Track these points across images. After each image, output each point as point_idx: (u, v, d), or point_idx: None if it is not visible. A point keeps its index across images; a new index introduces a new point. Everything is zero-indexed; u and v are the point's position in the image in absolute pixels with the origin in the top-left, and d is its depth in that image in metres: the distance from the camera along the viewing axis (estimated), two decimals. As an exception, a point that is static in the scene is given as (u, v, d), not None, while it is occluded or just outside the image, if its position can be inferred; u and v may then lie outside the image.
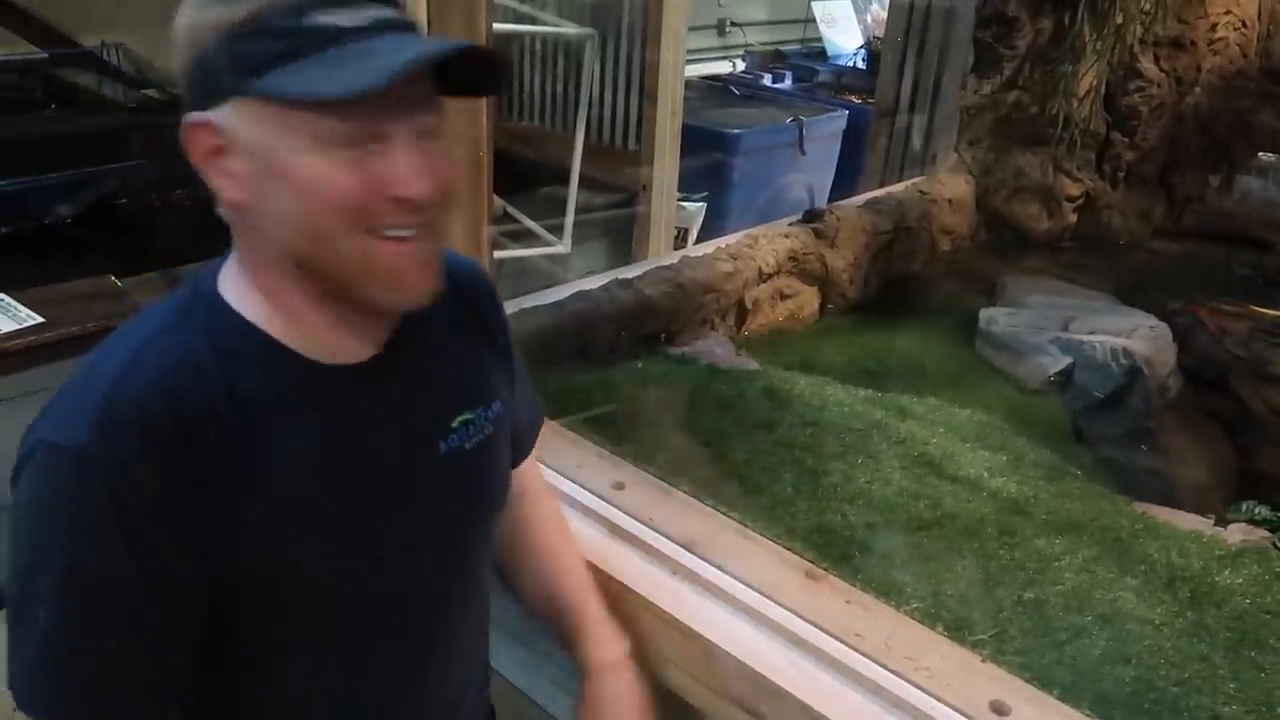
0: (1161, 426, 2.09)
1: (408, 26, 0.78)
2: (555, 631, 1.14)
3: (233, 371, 0.78)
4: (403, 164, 0.76)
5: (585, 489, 1.35)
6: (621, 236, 3.33)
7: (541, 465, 1.26)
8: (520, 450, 1.14)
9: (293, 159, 0.73)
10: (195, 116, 0.75)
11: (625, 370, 1.82)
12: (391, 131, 0.75)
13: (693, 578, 1.22)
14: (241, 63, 0.72)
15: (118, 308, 2.45)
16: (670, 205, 3.48)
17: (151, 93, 3.35)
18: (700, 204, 3.89)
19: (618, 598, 1.21)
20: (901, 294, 2.59)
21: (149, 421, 0.74)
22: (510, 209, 3.32)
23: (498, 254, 3.05)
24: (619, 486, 1.35)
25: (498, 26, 2.98)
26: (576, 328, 1.80)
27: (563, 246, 3.11)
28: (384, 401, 0.86)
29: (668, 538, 1.26)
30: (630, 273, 2.03)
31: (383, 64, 0.71)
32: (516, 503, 1.12)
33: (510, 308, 1.88)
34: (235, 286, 0.82)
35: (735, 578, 1.20)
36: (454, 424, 0.91)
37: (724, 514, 1.33)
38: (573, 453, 1.42)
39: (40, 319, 2.34)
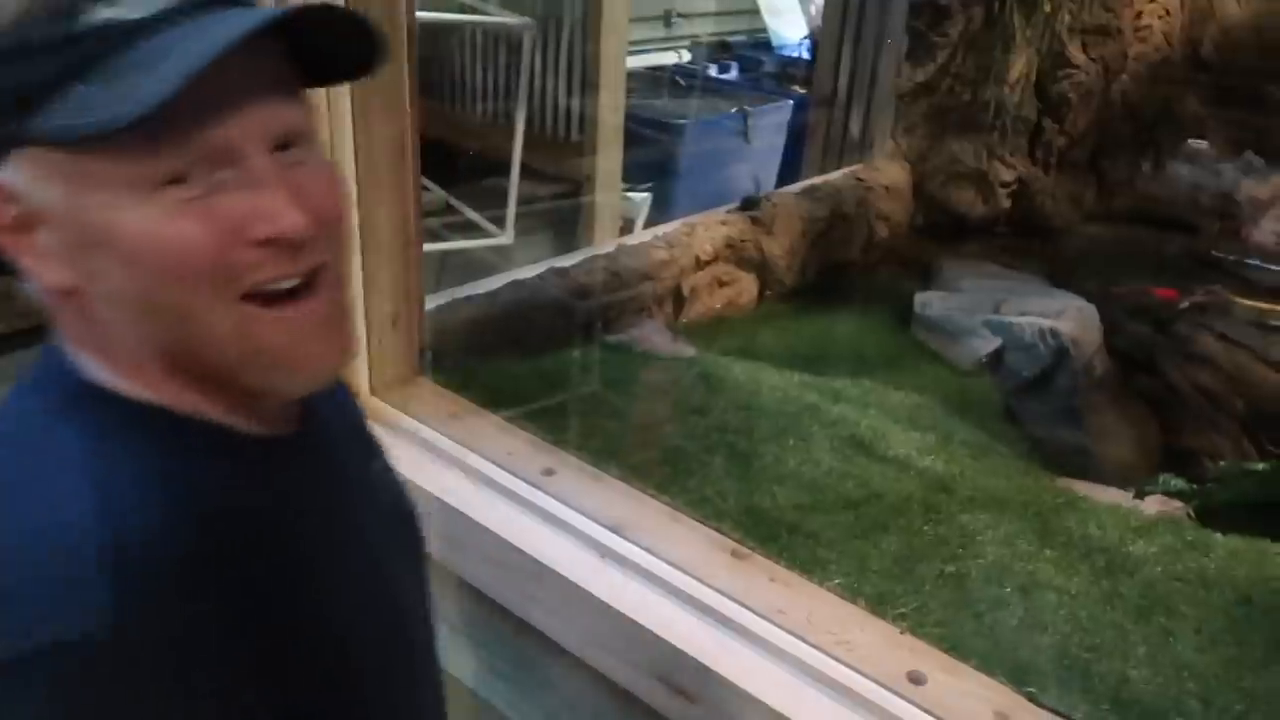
0: (1089, 405, 2.14)
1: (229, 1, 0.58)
2: None
3: (207, 471, 0.62)
4: (264, 191, 0.57)
5: (516, 476, 1.35)
6: (565, 228, 3.34)
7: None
8: None
9: (111, 217, 0.55)
10: None
11: (560, 358, 1.83)
12: (239, 149, 0.56)
13: (621, 561, 1.23)
14: (9, 99, 0.55)
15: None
16: (614, 196, 3.49)
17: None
18: (645, 195, 3.91)
19: (549, 584, 1.22)
20: (840, 280, 2.62)
21: (164, 563, 0.56)
22: (453, 201, 3.30)
23: (439, 246, 3.05)
24: (549, 473, 1.36)
25: (434, 16, 2.96)
26: (511, 317, 1.81)
27: (505, 238, 3.10)
28: (336, 464, 0.74)
29: (597, 522, 1.27)
30: (566, 262, 2.03)
31: (173, 65, 0.52)
32: None
33: (444, 298, 1.88)
34: (118, 378, 0.62)
35: (662, 559, 1.21)
36: (371, 475, 0.80)
37: (653, 498, 1.34)
38: (503, 440, 1.43)
39: None
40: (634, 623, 1.14)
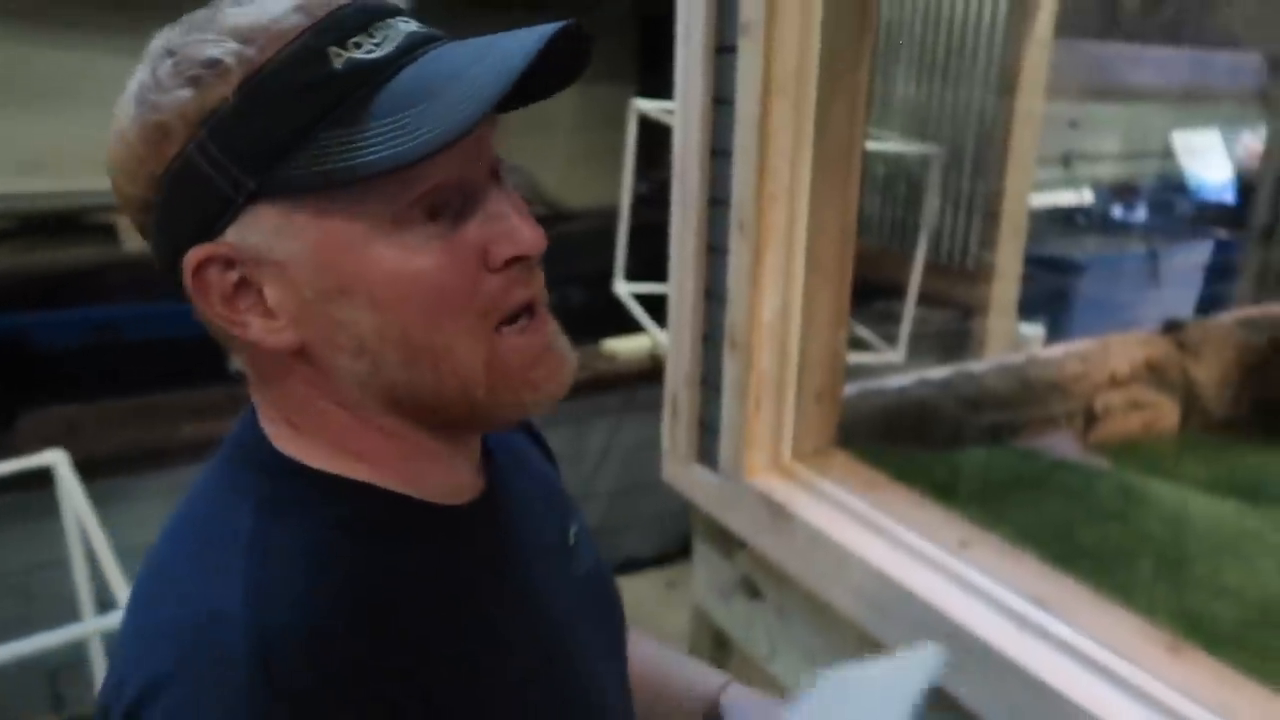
0: None
1: (434, 37, 0.57)
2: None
3: (377, 550, 0.59)
4: (501, 216, 0.56)
5: (933, 544, 1.40)
6: (955, 352, 3.34)
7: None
8: None
9: (361, 259, 0.54)
10: (199, 252, 0.54)
11: (965, 454, 1.85)
12: (473, 180, 0.56)
13: (1044, 634, 1.22)
14: (250, 154, 0.53)
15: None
16: (1009, 325, 3.45)
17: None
18: (1038, 328, 3.81)
19: (968, 649, 1.24)
20: None
21: (327, 664, 0.52)
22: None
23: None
24: (965, 545, 1.39)
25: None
26: (917, 411, 1.87)
27: (896, 356, 3.17)
28: (521, 534, 0.69)
29: (1017, 594, 1.28)
30: (976, 367, 2.07)
31: (456, 101, 0.51)
32: None
33: (854, 388, 1.99)
34: (305, 449, 0.60)
35: (1091, 639, 1.19)
36: (570, 541, 0.74)
37: (1075, 580, 1.32)
38: (918, 513, 1.48)
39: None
40: (1064, 697, 1.12)
